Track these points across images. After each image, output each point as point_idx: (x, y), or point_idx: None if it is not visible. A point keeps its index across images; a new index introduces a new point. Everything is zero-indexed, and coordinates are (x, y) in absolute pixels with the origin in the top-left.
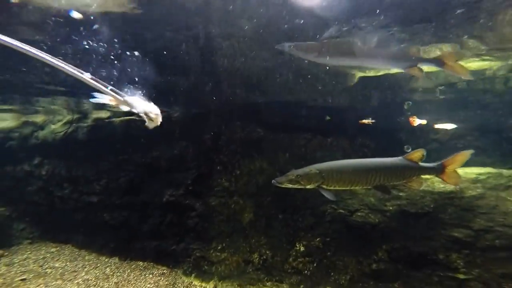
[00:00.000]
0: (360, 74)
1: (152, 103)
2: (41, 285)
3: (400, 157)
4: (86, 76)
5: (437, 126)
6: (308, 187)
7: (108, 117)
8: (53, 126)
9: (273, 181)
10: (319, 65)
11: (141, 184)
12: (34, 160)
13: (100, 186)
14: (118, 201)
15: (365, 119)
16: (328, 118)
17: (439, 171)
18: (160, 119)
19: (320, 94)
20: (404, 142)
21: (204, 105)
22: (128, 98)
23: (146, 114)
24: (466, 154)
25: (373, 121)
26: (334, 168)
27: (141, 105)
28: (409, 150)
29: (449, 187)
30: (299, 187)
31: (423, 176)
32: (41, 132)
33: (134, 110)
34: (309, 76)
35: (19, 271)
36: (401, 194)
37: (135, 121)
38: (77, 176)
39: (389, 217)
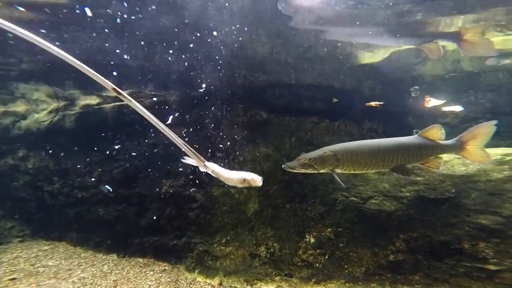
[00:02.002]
0: (367, 55)
1: (239, 173)
2: (33, 285)
3: (415, 135)
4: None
5: (444, 109)
6: (322, 171)
7: (98, 104)
8: (36, 115)
9: (283, 166)
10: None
11: (137, 175)
12: (18, 153)
13: (92, 178)
14: (112, 195)
15: (372, 101)
16: (335, 100)
17: (458, 148)
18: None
19: (324, 75)
20: (413, 126)
21: (203, 87)
22: (209, 164)
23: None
24: (488, 126)
25: (381, 103)
26: (349, 149)
27: (223, 173)
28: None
29: (471, 170)
30: (312, 171)
31: (442, 156)
32: (24, 122)
33: (213, 175)
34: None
35: (8, 271)
36: (418, 178)
37: (127, 107)
38: (67, 168)
39: (406, 204)
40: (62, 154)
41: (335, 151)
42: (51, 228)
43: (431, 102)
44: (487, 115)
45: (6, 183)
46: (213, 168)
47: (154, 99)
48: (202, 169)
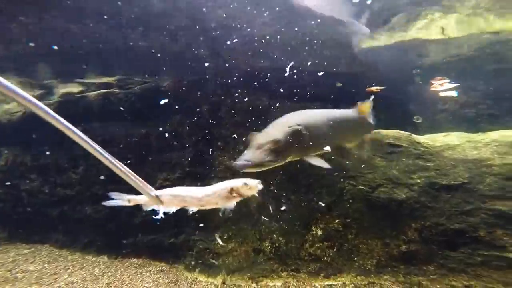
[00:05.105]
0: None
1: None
2: None
3: (353, 109)
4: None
5: (442, 94)
6: (288, 159)
7: (80, 92)
8: (6, 106)
9: (236, 164)
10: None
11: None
12: None
13: (76, 174)
14: (101, 191)
15: (374, 86)
16: (339, 84)
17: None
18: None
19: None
20: (413, 113)
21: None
22: (162, 193)
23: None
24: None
25: (382, 88)
26: (311, 120)
27: (192, 194)
28: (420, 121)
29: (484, 153)
30: (278, 163)
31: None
32: None
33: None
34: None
35: None
36: (428, 164)
37: (115, 94)
38: (47, 164)
39: (417, 191)
40: (41, 148)
41: (299, 123)
42: (32, 230)
43: (445, 85)
44: (487, 101)
45: None
46: (169, 195)
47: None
48: (151, 206)
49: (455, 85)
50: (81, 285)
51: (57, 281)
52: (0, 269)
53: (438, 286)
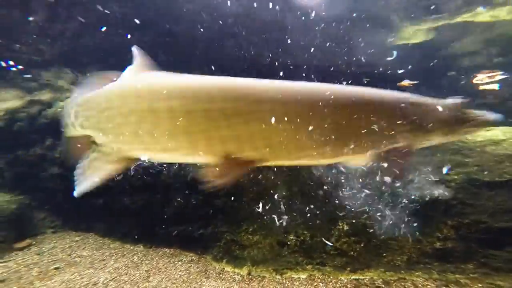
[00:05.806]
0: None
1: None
2: (75, 274)
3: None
4: None
5: (482, 87)
6: None
7: None
8: (61, 103)
9: None
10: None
11: (162, 162)
12: (45, 142)
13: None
14: (137, 183)
15: (405, 81)
16: (367, 79)
17: None
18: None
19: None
20: None
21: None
22: None
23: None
24: None
25: (414, 82)
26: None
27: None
28: None
29: None
30: None
31: None
32: (50, 110)
33: None
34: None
35: (50, 260)
36: (467, 160)
37: None
38: None
39: (454, 187)
40: None
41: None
42: (79, 219)
43: (489, 76)
44: None
45: (36, 173)
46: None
47: None
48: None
49: (505, 76)
50: (125, 271)
51: (106, 266)
52: (62, 253)
53: (479, 285)
